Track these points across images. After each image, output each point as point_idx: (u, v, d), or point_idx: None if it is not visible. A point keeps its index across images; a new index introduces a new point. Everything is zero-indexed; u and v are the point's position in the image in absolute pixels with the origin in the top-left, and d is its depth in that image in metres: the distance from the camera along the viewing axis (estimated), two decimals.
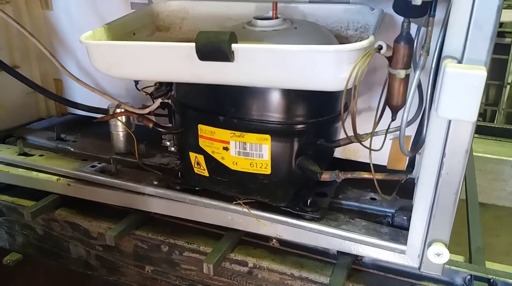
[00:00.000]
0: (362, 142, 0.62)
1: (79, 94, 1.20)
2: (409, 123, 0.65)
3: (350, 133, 0.66)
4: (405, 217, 0.78)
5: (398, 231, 0.76)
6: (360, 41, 0.56)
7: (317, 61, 0.56)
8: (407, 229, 0.76)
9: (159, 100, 0.90)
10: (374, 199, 0.87)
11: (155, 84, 0.89)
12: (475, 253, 0.80)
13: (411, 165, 0.69)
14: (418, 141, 0.64)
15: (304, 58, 0.56)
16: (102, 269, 0.99)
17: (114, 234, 0.85)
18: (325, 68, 0.56)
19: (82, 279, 1.16)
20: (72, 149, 1.07)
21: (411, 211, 0.79)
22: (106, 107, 1.02)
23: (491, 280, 0.73)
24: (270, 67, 0.59)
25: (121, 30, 0.78)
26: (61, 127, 1.14)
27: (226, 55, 0.58)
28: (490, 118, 3.12)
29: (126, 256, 0.94)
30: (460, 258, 0.79)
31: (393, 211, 0.82)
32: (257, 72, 0.60)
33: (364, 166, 0.83)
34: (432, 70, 0.58)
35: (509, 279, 0.72)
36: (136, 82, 0.91)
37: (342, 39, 0.81)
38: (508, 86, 2.98)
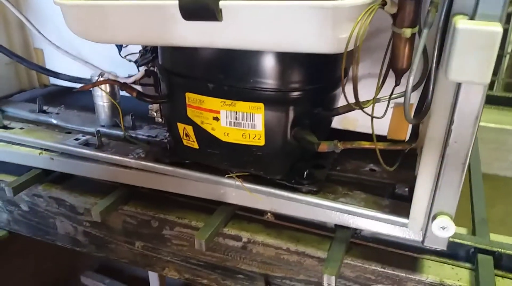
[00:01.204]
0: (364, 109, 0.57)
1: (61, 64, 1.13)
2: (414, 88, 0.60)
3: (350, 100, 0.61)
4: (406, 189, 0.75)
5: (399, 203, 0.72)
6: None
7: (315, 19, 0.50)
8: (408, 201, 0.72)
9: (144, 68, 0.84)
10: (374, 170, 0.83)
11: (140, 51, 0.83)
12: (479, 225, 0.76)
13: (414, 134, 0.64)
14: (422, 108, 0.59)
15: (301, 16, 0.50)
16: (91, 245, 0.95)
17: (100, 209, 0.81)
18: (323, 27, 0.50)
19: (71, 255, 1.13)
20: (55, 122, 1.01)
21: (413, 182, 0.76)
22: (89, 77, 0.96)
23: (496, 253, 0.70)
24: (263, 27, 0.53)
25: None
26: (44, 99, 1.07)
27: (213, 14, 0.52)
28: (489, 87, 3.06)
29: (115, 232, 0.90)
30: (463, 230, 0.76)
31: (390, 182, 0.78)
32: (248, 33, 0.54)
33: (364, 137, 0.79)
34: (439, 30, 0.53)
35: None
36: (119, 48, 0.85)
37: None
38: (508, 55, 2.91)
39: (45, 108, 1.08)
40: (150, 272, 1.59)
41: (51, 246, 1.01)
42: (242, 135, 0.68)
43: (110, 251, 0.93)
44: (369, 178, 0.80)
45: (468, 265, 0.71)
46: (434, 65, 0.55)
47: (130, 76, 0.89)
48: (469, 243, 0.71)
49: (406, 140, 0.67)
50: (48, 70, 1.05)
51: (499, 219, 1.63)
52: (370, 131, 0.88)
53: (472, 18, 0.49)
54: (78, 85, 1.04)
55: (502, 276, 0.69)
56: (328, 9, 0.50)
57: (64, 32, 1.07)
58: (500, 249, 0.69)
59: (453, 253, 0.73)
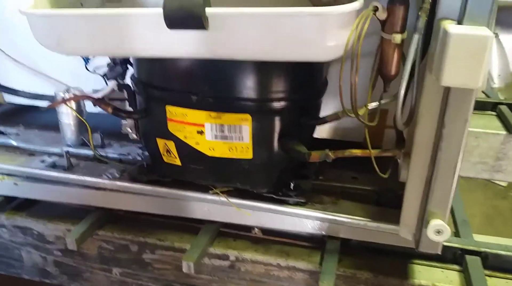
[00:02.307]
0: (359, 117, 0.56)
1: (16, 80, 1.05)
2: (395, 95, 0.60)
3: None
4: (391, 195, 0.75)
5: (386, 210, 0.72)
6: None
7: (311, 27, 0.49)
8: (394, 207, 0.73)
9: (114, 82, 0.80)
10: (356, 178, 0.82)
11: (108, 63, 0.79)
12: (462, 226, 0.78)
13: (400, 140, 0.65)
14: (395, 113, 0.58)
15: (295, 23, 0.49)
16: (62, 275, 0.88)
17: (76, 236, 0.75)
18: (319, 34, 0.49)
19: None
20: (15, 143, 0.93)
21: (396, 188, 0.76)
22: (53, 94, 0.89)
23: (482, 254, 0.71)
24: (253, 36, 0.52)
25: (66, 0, 0.67)
26: None
27: (200, 22, 0.50)
28: None
29: (90, 259, 0.84)
30: None
31: (373, 189, 0.78)
32: (237, 42, 0.53)
33: (339, 144, 0.78)
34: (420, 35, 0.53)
35: (500, 251, 0.70)
36: (86, 61, 0.81)
37: (314, 5, 0.75)
38: None
39: (1, 129, 1.00)
40: None
41: (17, 281, 0.92)
42: (229, 149, 0.66)
43: (84, 281, 0.87)
44: (352, 186, 0.80)
45: (456, 266, 0.72)
46: (416, 70, 0.55)
47: (97, 91, 0.84)
48: (456, 245, 0.72)
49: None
50: (6, 87, 0.97)
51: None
52: (345, 139, 0.89)
53: (459, 23, 0.50)
54: (38, 103, 0.99)
55: (490, 276, 0.70)
56: (322, 16, 0.49)
57: (20, 45, 1.01)
58: (486, 249, 0.70)
59: (440, 256, 0.73)
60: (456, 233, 0.78)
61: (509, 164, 0.74)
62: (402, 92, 0.53)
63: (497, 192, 2.26)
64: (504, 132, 0.72)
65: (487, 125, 0.78)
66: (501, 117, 0.79)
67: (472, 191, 1.89)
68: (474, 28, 0.47)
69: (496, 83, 1.42)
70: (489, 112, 0.83)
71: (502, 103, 0.84)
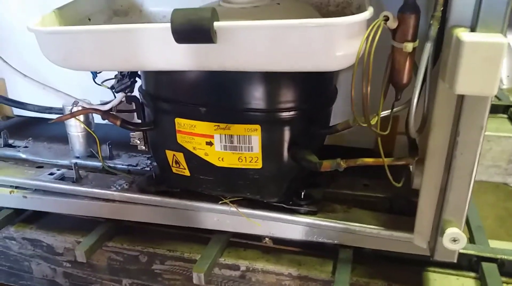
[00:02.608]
0: (371, 126, 0.55)
1: (25, 93, 1.05)
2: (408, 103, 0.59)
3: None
4: (404, 202, 0.74)
5: (399, 218, 0.71)
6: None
7: (322, 37, 0.48)
8: (407, 214, 0.72)
9: (122, 94, 0.80)
10: (367, 185, 0.81)
11: (116, 75, 0.79)
12: (476, 233, 0.77)
13: (413, 147, 0.63)
14: (408, 121, 0.57)
15: (303, 35, 0.48)
16: None
17: (85, 248, 0.75)
18: (328, 44, 0.49)
19: None
20: (24, 156, 0.93)
21: (408, 195, 0.75)
22: (61, 106, 0.89)
23: (498, 260, 0.70)
24: (261, 48, 0.51)
25: (74, 16, 0.67)
26: (8, 132, 1.00)
27: (208, 36, 0.50)
28: None
29: (99, 271, 0.84)
30: None
31: (386, 196, 0.77)
32: (245, 54, 0.52)
33: (349, 151, 0.78)
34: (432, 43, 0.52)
35: None
36: (94, 75, 0.80)
37: (323, 17, 0.74)
38: None
39: (10, 141, 1.00)
40: None
41: None
42: (238, 159, 0.65)
43: None
44: (364, 194, 0.79)
45: (472, 274, 0.71)
46: (428, 78, 0.54)
47: (105, 103, 0.84)
48: (471, 252, 0.71)
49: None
50: (14, 101, 0.98)
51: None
52: (355, 145, 0.88)
53: (473, 30, 0.49)
54: (47, 116, 0.99)
55: (506, 283, 0.69)
56: (339, 27, 0.49)
57: (28, 59, 1.01)
58: (503, 256, 0.69)
59: (455, 263, 0.72)
60: (471, 239, 0.77)
61: None
62: (415, 100, 0.52)
63: (509, 194, 2.23)
64: None
65: (499, 128, 0.76)
66: None
67: (484, 193, 1.86)
68: (488, 35, 0.46)
69: (505, 85, 1.40)
70: (501, 115, 0.82)
71: None
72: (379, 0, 0.69)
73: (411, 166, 0.69)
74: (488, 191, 2.14)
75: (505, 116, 0.81)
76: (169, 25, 0.50)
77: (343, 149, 0.86)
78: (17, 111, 1.11)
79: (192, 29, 0.50)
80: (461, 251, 0.71)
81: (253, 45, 0.51)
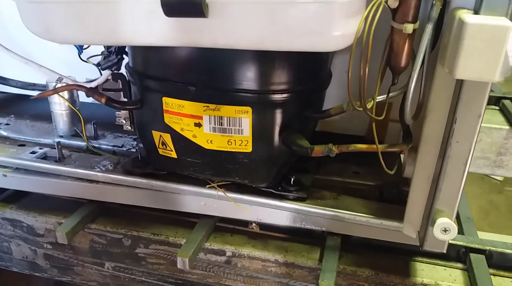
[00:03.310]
0: (367, 110, 0.53)
1: (7, 68, 1.01)
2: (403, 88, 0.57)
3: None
4: (394, 191, 0.73)
5: (389, 206, 0.70)
6: None
7: (316, 15, 0.46)
8: (397, 203, 0.71)
9: (108, 72, 0.77)
10: (357, 172, 0.80)
11: (102, 52, 0.76)
12: (466, 224, 0.76)
13: (407, 134, 0.62)
14: (404, 106, 0.55)
15: (300, 11, 0.46)
16: (53, 269, 0.86)
17: (67, 230, 0.73)
18: (325, 23, 0.46)
19: (29, 280, 1.02)
20: (5, 134, 0.90)
21: (399, 184, 0.74)
22: (44, 83, 0.86)
23: (487, 252, 0.69)
24: (255, 24, 0.48)
25: None
26: None
27: (199, 9, 0.47)
28: None
29: (81, 253, 0.82)
30: None
31: (376, 184, 0.76)
32: (238, 30, 0.49)
33: (341, 138, 0.76)
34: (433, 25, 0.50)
35: (506, 249, 0.68)
36: (80, 50, 0.77)
37: None
38: None
39: None
40: None
41: (6, 273, 0.90)
42: (228, 142, 0.63)
43: (75, 274, 0.84)
44: (354, 181, 0.78)
45: (459, 265, 0.70)
46: (425, 62, 0.53)
47: (90, 81, 0.81)
48: (460, 243, 0.70)
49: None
50: None
51: None
52: (346, 132, 0.86)
53: (476, 12, 0.47)
54: (30, 92, 0.95)
55: (494, 275, 0.69)
56: (328, 4, 0.46)
57: (11, 32, 0.97)
58: (491, 248, 0.69)
59: (444, 253, 0.71)
60: (460, 231, 0.76)
61: (511, 160, 0.72)
62: (413, 85, 0.50)
63: (493, 186, 2.26)
64: (507, 127, 0.70)
65: (490, 120, 0.75)
66: (504, 112, 0.77)
67: (468, 184, 1.87)
68: (492, 18, 0.45)
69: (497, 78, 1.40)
70: (492, 106, 0.81)
71: (505, 98, 0.82)
72: None
73: (402, 154, 0.68)
74: (472, 183, 2.16)
75: (497, 107, 0.80)
76: None
77: (332, 136, 0.85)
78: None
79: (182, 2, 0.47)
80: (450, 241, 0.70)
81: (246, 21, 0.49)
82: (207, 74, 0.59)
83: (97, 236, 0.79)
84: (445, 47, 0.49)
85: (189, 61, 0.59)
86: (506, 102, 0.80)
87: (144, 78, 0.65)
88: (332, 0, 0.47)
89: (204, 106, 0.61)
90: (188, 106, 0.61)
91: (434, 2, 0.47)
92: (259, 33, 0.49)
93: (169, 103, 0.63)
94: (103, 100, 0.68)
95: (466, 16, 0.45)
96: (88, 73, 0.84)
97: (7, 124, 0.94)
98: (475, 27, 0.44)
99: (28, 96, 0.98)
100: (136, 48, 0.65)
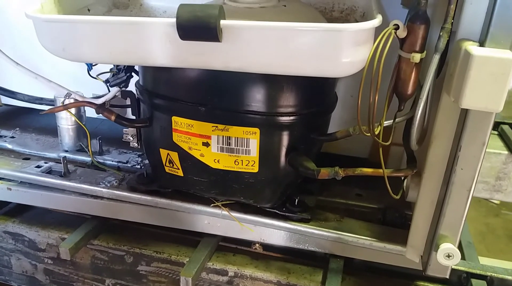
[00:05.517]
0: (374, 135, 0.54)
1: (15, 82, 1.02)
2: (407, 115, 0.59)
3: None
4: (397, 214, 0.73)
5: (392, 229, 0.71)
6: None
7: (330, 42, 0.47)
8: (400, 227, 0.71)
9: (117, 89, 0.78)
10: (360, 195, 0.81)
11: (111, 69, 0.77)
12: (467, 249, 0.76)
13: (412, 159, 0.63)
14: (409, 134, 0.56)
15: (311, 38, 0.48)
16: (52, 284, 0.85)
17: (70, 246, 0.73)
18: (335, 50, 0.48)
19: None
20: (10, 147, 0.91)
21: (401, 207, 0.74)
22: (52, 97, 0.87)
23: (488, 278, 0.69)
24: (267, 50, 0.50)
25: (73, 5, 0.65)
26: None
27: (214, 34, 0.48)
28: None
29: (82, 269, 0.81)
30: None
31: (379, 207, 0.77)
32: (250, 55, 0.51)
33: (345, 160, 0.77)
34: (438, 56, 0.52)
35: (507, 276, 0.69)
36: (90, 67, 0.78)
37: (328, 19, 0.74)
38: None
39: None
40: None
41: None
42: (235, 162, 0.63)
43: None
44: (357, 203, 0.78)
45: None
46: (430, 90, 0.54)
47: (98, 97, 0.82)
48: (462, 268, 0.70)
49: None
50: (4, 89, 0.95)
51: None
52: (348, 154, 0.87)
53: (482, 44, 0.49)
54: (36, 106, 0.96)
55: None
56: (338, 32, 0.48)
57: (22, 47, 0.98)
58: (492, 273, 0.69)
59: (446, 278, 0.71)
60: (462, 255, 0.76)
61: (509, 185, 0.73)
62: (420, 112, 0.52)
63: (490, 209, 2.26)
64: (506, 152, 0.71)
65: (489, 145, 0.76)
66: (503, 137, 0.78)
67: None
68: (497, 51, 0.46)
69: None
70: (491, 131, 0.82)
71: (504, 123, 0.83)
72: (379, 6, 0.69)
73: (406, 179, 0.69)
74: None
75: (496, 132, 0.81)
76: (174, 20, 0.49)
77: (334, 157, 0.86)
78: (5, 100, 1.08)
79: (198, 26, 0.48)
80: (452, 266, 0.71)
81: (259, 46, 0.50)
82: (217, 95, 0.60)
83: (99, 252, 0.79)
84: (451, 76, 0.51)
85: (200, 82, 0.61)
86: (505, 127, 0.81)
87: (154, 97, 0.66)
88: (341, 28, 0.48)
89: (213, 126, 0.62)
90: (197, 126, 0.62)
91: (441, 33, 0.49)
92: (271, 58, 0.51)
93: (178, 122, 0.63)
94: (113, 118, 0.69)
95: (472, 48, 0.47)
96: (93, 89, 0.85)
97: (12, 137, 0.95)
98: (481, 59, 0.45)
99: (33, 110, 0.99)
100: (147, 67, 0.66)
